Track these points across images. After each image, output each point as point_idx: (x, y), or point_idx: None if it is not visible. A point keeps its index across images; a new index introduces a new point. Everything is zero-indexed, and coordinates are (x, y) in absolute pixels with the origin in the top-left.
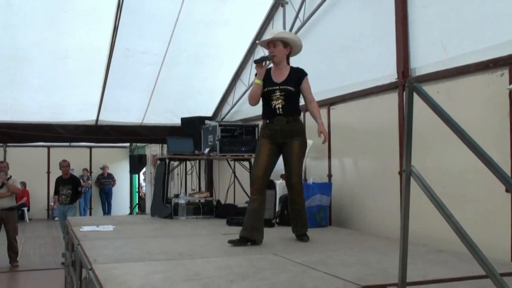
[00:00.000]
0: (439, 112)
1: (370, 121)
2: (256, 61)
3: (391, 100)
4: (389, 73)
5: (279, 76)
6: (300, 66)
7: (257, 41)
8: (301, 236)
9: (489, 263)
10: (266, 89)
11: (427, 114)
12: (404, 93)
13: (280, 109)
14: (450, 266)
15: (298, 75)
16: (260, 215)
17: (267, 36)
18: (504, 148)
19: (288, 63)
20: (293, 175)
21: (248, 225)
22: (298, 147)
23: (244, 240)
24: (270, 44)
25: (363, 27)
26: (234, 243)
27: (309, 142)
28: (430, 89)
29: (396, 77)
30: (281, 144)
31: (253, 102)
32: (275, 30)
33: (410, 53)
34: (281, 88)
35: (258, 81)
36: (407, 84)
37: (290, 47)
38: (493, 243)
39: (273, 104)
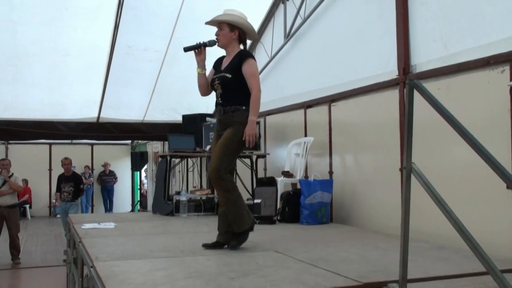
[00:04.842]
0: (439, 109)
1: (371, 118)
2: (184, 49)
3: (392, 97)
4: (389, 70)
5: (225, 63)
6: (300, 62)
7: (205, 22)
8: (237, 238)
9: (489, 260)
10: (212, 78)
11: (427, 110)
12: (405, 90)
13: (220, 99)
14: (451, 263)
15: (239, 59)
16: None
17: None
18: (505, 145)
19: (244, 48)
20: (211, 164)
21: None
22: (226, 134)
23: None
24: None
25: (363, 24)
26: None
27: (310, 139)
28: (430, 85)
29: (396, 73)
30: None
31: (200, 93)
32: (228, 10)
33: (411, 49)
34: (219, 76)
35: (198, 70)
36: (407, 81)
37: (237, 30)
38: (494, 239)
39: (216, 94)
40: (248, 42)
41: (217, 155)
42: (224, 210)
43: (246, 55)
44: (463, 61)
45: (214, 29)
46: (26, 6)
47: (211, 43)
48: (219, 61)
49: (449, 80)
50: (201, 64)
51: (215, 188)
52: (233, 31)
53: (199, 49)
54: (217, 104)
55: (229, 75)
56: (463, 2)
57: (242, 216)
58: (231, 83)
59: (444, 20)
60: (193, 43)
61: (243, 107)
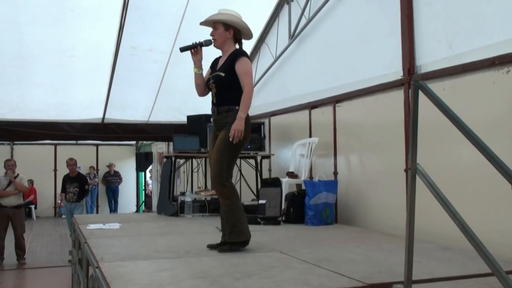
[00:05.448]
0: (444, 110)
1: (376, 118)
2: (180, 49)
3: (397, 97)
4: (394, 71)
5: (221, 63)
6: (305, 63)
7: (199, 23)
8: (229, 246)
9: (494, 261)
10: (208, 78)
11: (432, 111)
12: (410, 90)
13: (214, 99)
14: (456, 264)
15: (232, 58)
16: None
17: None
18: (509, 145)
19: (240, 47)
20: (211, 171)
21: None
22: (221, 137)
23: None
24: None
25: (368, 24)
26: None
27: (315, 139)
28: (435, 86)
29: (401, 74)
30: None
31: (197, 93)
32: (222, 9)
33: (416, 50)
34: (213, 75)
35: (195, 70)
36: (412, 82)
37: (232, 29)
38: (499, 240)
39: (211, 94)
40: (252, 42)
41: (215, 162)
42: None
43: (239, 53)
44: (468, 62)
45: None
46: (31, 7)
47: (207, 43)
48: (215, 61)
49: (454, 80)
50: (198, 64)
51: (217, 194)
52: (227, 30)
53: (195, 49)
54: (212, 104)
55: (222, 74)
56: (468, 3)
57: (242, 226)
58: (225, 82)
59: (449, 20)
60: (196, 41)
61: (237, 107)
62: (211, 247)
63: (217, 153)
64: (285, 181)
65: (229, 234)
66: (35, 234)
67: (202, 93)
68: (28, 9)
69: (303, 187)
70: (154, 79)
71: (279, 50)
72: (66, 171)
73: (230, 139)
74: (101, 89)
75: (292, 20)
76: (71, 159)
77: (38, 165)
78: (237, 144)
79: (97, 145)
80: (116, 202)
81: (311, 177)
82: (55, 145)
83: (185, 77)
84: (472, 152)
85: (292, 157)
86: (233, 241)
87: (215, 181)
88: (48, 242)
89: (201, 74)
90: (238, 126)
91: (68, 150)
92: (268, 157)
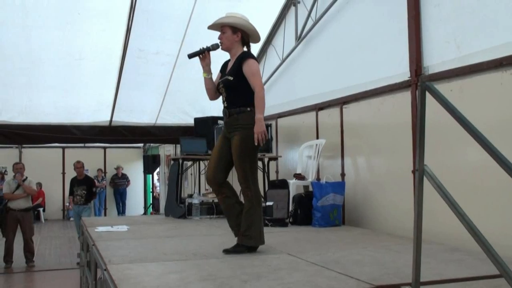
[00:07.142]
0: (452, 111)
1: (383, 120)
2: (188, 56)
3: (404, 98)
4: (402, 72)
5: (229, 66)
6: (312, 65)
7: (207, 26)
8: (234, 247)
9: (503, 262)
10: (218, 82)
11: (440, 112)
12: (417, 91)
13: (225, 102)
14: (465, 265)
15: (239, 61)
16: (233, 214)
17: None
18: None
19: (247, 50)
20: (238, 176)
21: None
22: (237, 143)
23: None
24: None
25: (375, 26)
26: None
27: (322, 141)
28: (443, 87)
29: (409, 75)
30: (229, 139)
31: (208, 97)
32: (229, 13)
33: (423, 51)
34: (223, 79)
35: (204, 75)
36: (420, 83)
37: (240, 32)
38: (508, 242)
39: (222, 97)
40: (258, 44)
41: (237, 167)
42: (227, 204)
43: (246, 56)
44: (475, 63)
45: None
46: (40, 11)
47: (214, 47)
48: (225, 65)
49: (462, 81)
50: (207, 69)
51: (243, 196)
52: (235, 33)
53: (203, 54)
54: (223, 106)
55: (231, 78)
56: (477, 4)
57: (256, 232)
58: (234, 86)
59: (457, 22)
60: (203, 46)
61: (248, 109)
62: (227, 251)
63: (238, 160)
64: (293, 182)
65: (241, 236)
66: (44, 236)
67: (212, 97)
68: (36, 13)
69: (311, 188)
70: (161, 81)
71: (285, 52)
72: (74, 174)
73: (256, 143)
74: (108, 92)
75: (299, 22)
76: (78, 162)
77: (47, 168)
78: (252, 146)
79: (104, 148)
80: (124, 204)
81: (318, 178)
82: (63, 148)
83: (192, 80)
84: (479, 154)
85: (299, 159)
86: (243, 244)
87: (242, 185)
88: (56, 244)
89: (211, 78)
90: (259, 128)
91: (76, 153)
92: (275, 158)
